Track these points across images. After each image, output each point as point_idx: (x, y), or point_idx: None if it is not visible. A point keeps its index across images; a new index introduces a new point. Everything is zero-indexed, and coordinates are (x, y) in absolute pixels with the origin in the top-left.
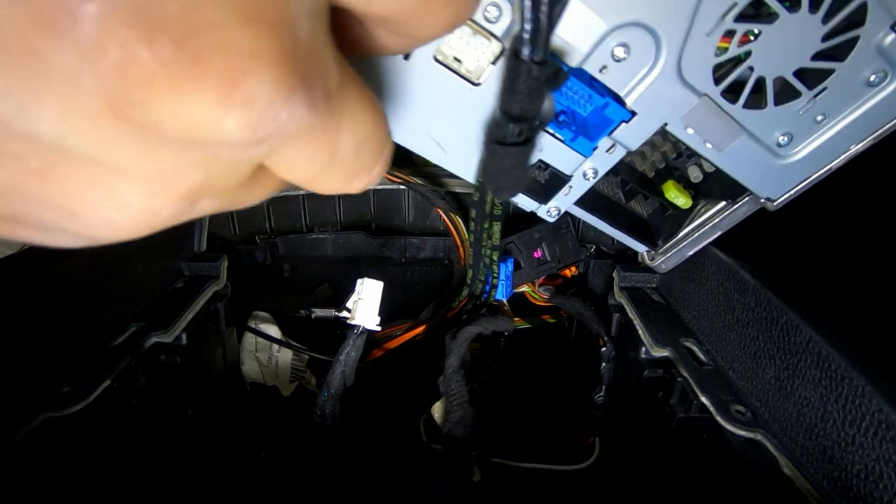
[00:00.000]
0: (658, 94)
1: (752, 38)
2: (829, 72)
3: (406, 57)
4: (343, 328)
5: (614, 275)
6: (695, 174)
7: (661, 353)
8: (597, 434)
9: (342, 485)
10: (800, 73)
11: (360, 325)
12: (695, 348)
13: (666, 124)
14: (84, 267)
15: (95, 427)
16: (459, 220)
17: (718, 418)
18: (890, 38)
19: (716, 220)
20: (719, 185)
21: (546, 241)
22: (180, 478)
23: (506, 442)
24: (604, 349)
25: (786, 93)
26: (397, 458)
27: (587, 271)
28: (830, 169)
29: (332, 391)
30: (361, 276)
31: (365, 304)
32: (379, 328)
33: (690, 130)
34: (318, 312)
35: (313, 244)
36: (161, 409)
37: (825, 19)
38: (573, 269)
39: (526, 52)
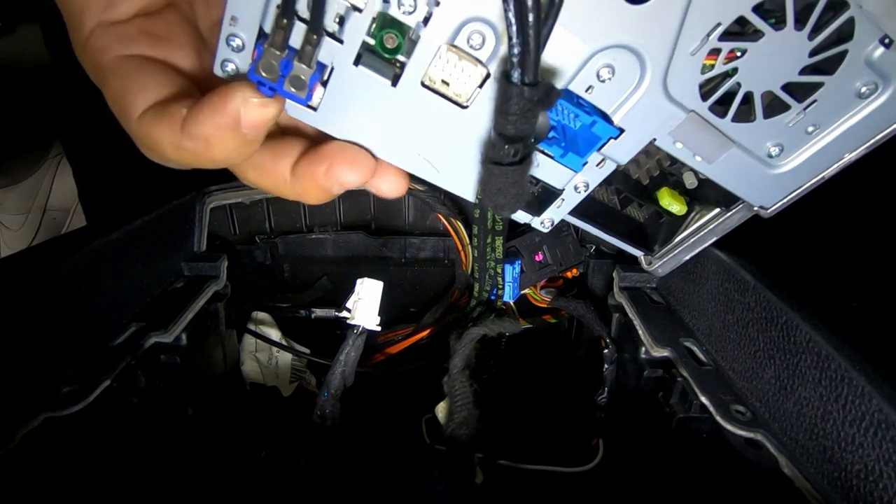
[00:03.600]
0: (645, 111)
1: (738, 54)
2: (819, 84)
3: (394, 83)
4: (343, 328)
5: (614, 275)
6: (690, 180)
7: (660, 353)
8: (600, 436)
9: (342, 485)
10: (789, 87)
11: (359, 325)
12: (695, 348)
13: (654, 140)
14: (84, 267)
15: (95, 427)
16: (460, 224)
17: (718, 418)
18: (879, 51)
19: (711, 226)
20: (714, 192)
21: (547, 244)
22: (180, 478)
23: (508, 443)
24: (606, 351)
25: (775, 106)
26: (398, 458)
27: (587, 271)
28: (824, 177)
29: (332, 391)
30: (361, 276)
31: (365, 304)
32: (379, 328)
33: (679, 145)
34: (318, 312)
35: (313, 244)
36: (161, 409)
37: (811, 35)
38: (574, 270)
39: (516, 75)
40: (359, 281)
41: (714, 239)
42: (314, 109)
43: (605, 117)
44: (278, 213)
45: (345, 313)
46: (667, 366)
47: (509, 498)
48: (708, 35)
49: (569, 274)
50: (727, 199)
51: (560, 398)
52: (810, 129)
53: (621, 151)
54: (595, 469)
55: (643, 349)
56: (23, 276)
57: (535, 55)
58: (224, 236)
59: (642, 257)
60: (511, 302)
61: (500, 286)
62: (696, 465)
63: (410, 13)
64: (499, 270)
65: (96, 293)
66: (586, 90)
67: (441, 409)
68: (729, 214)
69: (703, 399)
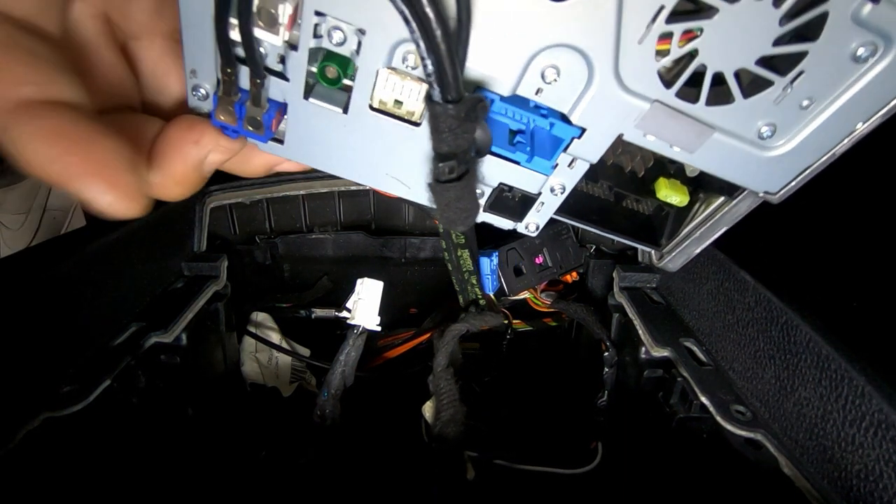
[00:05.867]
0: (602, 107)
1: (696, 33)
2: (803, 54)
3: (345, 111)
4: (343, 328)
5: (614, 275)
6: (691, 168)
7: (661, 353)
8: (599, 438)
9: (342, 485)
10: (767, 60)
11: (360, 325)
12: (695, 348)
13: (622, 134)
14: (84, 267)
15: (95, 427)
16: None
17: (718, 418)
18: (867, 7)
19: (718, 216)
20: (716, 179)
21: (547, 246)
22: (180, 478)
23: (508, 444)
24: (606, 354)
25: (756, 83)
26: (397, 458)
27: (587, 272)
28: (835, 154)
29: (332, 391)
30: (361, 276)
31: (365, 304)
32: (379, 328)
33: (651, 137)
34: (318, 313)
35: (313, 244)
36: (161, 409)
37: (777, 2)
38: (574, 274)
39: (436, 94)
40: (359, 281)
41: (724, 229)
42: (282, 143)
43: (564, 118)
44: (278, 213)
45: (345, 313)
46: (667, 366)
47: (508, 499)
48: (653, 20)
49: (568, 278)
50: (729, 187)
51: (560, 401)
52: (805, 103)
53: (588, 150)
54: (594, 471)
55: (643, 349)
56: (23, 276)
57: (452, 72)
58: (224, 236)
59: (652, 253)
60: (491, 294)
61: (480, 296)
62: (696, 465)
63: (342, 44)
64: (473, 281)
65: (96, 293)
66: (536, 93)
67: (428, 409)
68: (735, 202)
69: (703, 399)
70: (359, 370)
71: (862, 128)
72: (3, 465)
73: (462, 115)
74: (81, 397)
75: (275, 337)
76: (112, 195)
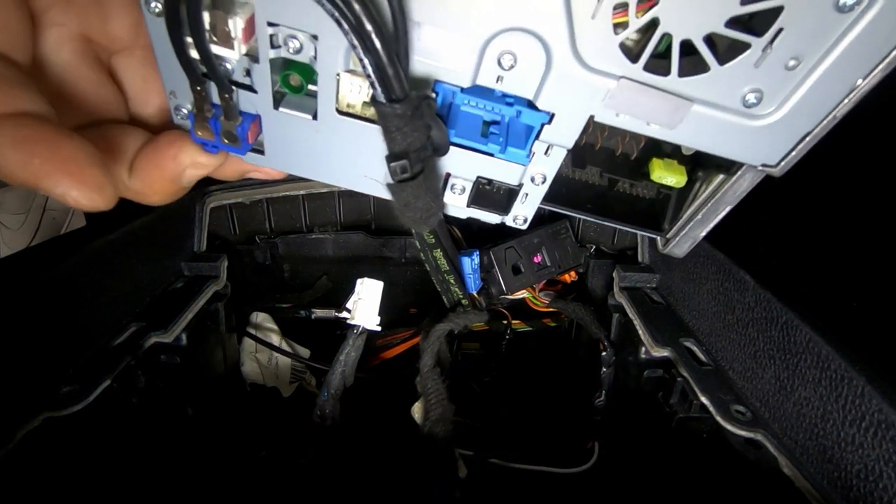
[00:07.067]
0: (566, 89)
1: (654, 0)
2: (779, 9)
3: (315, 117)
4: (343, 328)
5: (614, 275)
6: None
7: (661, 353)
8: (596, 438)
9: (342, 485)
10: (743, 20)
11: (360, 326)
12: (695, 348)
13: (593, 116)
14: (84, 267)
15: (95, 427)
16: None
17: (718, 418)
18: None
19: (719, 195)
20: (713, 156)
21: (546, 245)
22: (180, 478)
23: (505, 443)
24: (604, 353)
25: (732, 47)
26: (397, 457)
27: (587, 272)
28: (836, 117)
29: (332, 391)
30: (361, 276)
31: (365, 304)
32: (379, 328)
33: (625, 116)
34: (318, 313)
35: (313, 244)
36: (161, 409)
37: None
38: (573, 274)
39: (379, 94)
40: (359, 281)
41: (727, 209)
42: (262, 153)
43: (530, 104)
44: (278, 213)
45: (345, 314)
46: (667, 366)
47: (504, 497)
48: None
49: (567, 278)
50: (726, 164)
51: (559, 401)
52: (791, 63)
53: (561, 135)
54: (590, 470)
55: (643, 349)
56: (23, 276)
57: (392, 71)
58: (224, 236)
59: (658, 240)
60: (475, 293)
61: (462, 296)
62: (696, 465)
63: (300, 51)
64: (451, 281)
65: (96, 293)
66: (497, 81)
67: (416, 410)
68: (735, 179)
69: (703, 399)
70: (359, 370)
71: (863, 84)
72: (3, 465)
73: (409, 113)
74: (81, 397)
75: (275, 337)
76: (78, 190)
